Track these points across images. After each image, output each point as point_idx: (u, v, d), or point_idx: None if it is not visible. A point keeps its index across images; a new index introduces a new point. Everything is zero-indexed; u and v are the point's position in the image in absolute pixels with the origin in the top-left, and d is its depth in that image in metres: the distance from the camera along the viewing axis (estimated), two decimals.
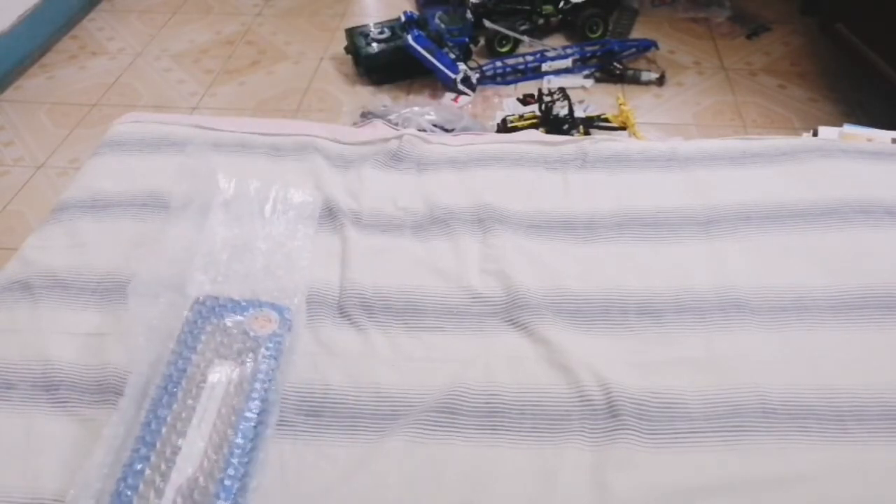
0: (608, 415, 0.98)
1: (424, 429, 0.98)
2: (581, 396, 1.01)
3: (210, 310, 1.04)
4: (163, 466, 0.87)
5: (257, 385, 0.96)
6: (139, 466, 0.87)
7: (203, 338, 1.01)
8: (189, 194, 1.23)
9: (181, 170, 1.29)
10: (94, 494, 0.86)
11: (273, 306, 1.05)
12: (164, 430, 0.91)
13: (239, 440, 0.90)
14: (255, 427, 0.93)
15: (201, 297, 1.06)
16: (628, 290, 1.16)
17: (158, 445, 0.89)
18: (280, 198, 1.24)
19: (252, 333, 1.01)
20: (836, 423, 0.97)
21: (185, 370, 0.97)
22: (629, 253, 1.24)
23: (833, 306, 1.12)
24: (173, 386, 0.95)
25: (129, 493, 0.85)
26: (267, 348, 1.00)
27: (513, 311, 1.14)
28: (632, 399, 0.99)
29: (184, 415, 0.92)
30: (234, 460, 0.88)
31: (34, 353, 1.08)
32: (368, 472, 0.93)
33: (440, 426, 0.98)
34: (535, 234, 1.28)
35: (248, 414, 0.93)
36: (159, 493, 0.84)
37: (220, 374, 0.96)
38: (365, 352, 1.09)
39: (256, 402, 0.95)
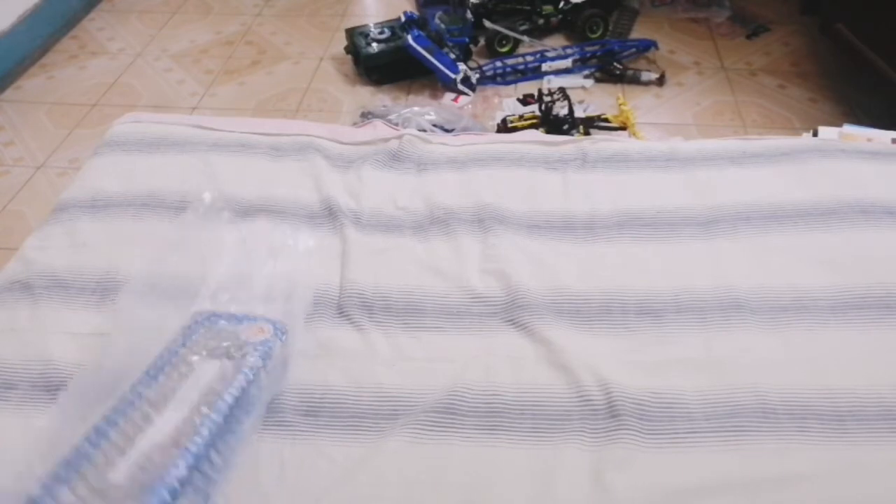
0: (608, 415, 0.98)
1: (424, 429, 0.98)
2: (581, 396, 1.01)
3: (206, 318, 1.06)
4: (130, 432, 0.89)
5: (240, 377, 0.97)
6: (109, 431, 0.89)
7: (194, 337, 1.02)
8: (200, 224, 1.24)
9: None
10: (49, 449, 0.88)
11: (268, 320, 1.06)
12: (142, 404, 0.93)
13: (214, 416, 0.91)
14: (231, 408, 0.94)
15: (200, 313, 1.07)
16: (628, 290, 1.16)
17: (136, 416, 0.91)
18: (287, 237, 1.25)
19: (244, 337, 1.03)
20: (836, 423, 0.97)
21: (170, 361, 0.99)
22: (629, 253, 1.24)
23: (833, 306, 1.12)
24: (156, 371, 0.97)
25: (90, 448, 0.87)
26: (256, 348, 1.01)
27: (513, 311, 1.14)
28: (632, 399, 0.99)
29: (164, 394, 0.94)
30: (205, 430, 0.90)
31: (34, 353, 1.08)
32: (368, 473, 0.93)
33: (440, 426, 0.98)
34: (535, 234, 1.28)
35: (226, 397, 0.94)
36: (121, 452, 0.87)
37: (207, 367, 0.98)
38: (365, 352, 1.09)
39: (236, 388, 0.96)
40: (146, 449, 0.87)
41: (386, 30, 2.69)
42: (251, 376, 0.97)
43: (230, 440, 0.93)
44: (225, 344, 1.01)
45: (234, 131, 1.52)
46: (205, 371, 0.97)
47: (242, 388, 0.95)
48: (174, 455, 0.87)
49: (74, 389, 0.98)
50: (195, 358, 0.99)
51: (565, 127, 2.27)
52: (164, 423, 0.90)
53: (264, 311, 1.08)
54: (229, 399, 0.94)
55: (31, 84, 2.75)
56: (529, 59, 2.64)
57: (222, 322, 1.05)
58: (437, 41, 2.60)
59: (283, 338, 1.04)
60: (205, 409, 0.92)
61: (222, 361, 0.99)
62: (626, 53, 2.69)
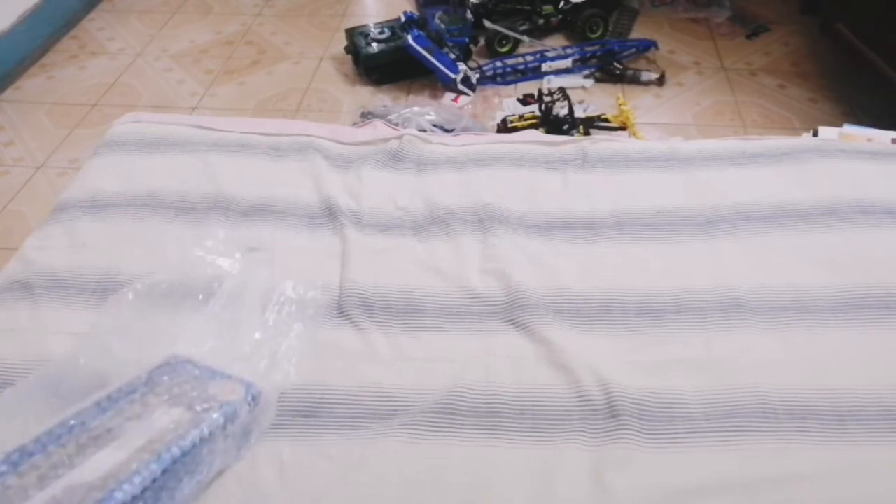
0: (608, 415, 0.98)
1: (424, 429, 0.98)
2: (581, 396, 1.01)
3: (179, 363, 0.99)
4: (59, 462, 0.83)
5: (195, 431, 0.88)
6: (35, 455, 0.84)
7: (159, 379, 0.96)
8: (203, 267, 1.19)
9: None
10: None
11: (244, 381, 0.98)
12: (81, 435, 0.86)
13: (153, 466, 0.84)
14: (174, 462, 0.85)
15: (175, 356, 1.01)
16: (628, 290, 1.16)
17: (70, 446, 0.85)
18: (287, 290, 1.17)
19: (212, 392, 0.95)
20: (836, 423, 0.97)
21: (127, 397, 0.92)
22: (629, 253, 1.24)
23: (833, 306, 1.13)
24: (109, 404, 0.91)
25: (6, 467, 0.82)
26: (221, 407, 0.92)
27: (513, 311, 1.14)
28: (632, 399, 0.99)
29: (110, 430, 0.87)
30: (137, 479, 0.82)
31: (34, 352, 1.08)
32: (368, 473, 0.93)
33: (440, 426, 0.98)
34: (536, 234, 1.28)
35: (173, 448, 0.86)
36: (42, 480, 0.81)
37: (164, 414, 0.91)
38: (365, 352, 1.09)
39: (187, 442, 0.87)
40: (70, 484, 0.80)
41: (386, 30, 2.69)
42: (206, 433, 0.89)
43: (163, 498, 0.84)
44: (190, 394, 0.94)
45: (234, 131, 1.52)
46: (160, 416, 0.90)
47: (194, 444, 0.87)
48: (96, 498, 0.78)
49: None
50: (154, 400, 0.92)
51: (565, 127, 2.27)
52: (99, 462, 0.83)
53: (241, 370, 1.00)
54: (176, 451, 0.85)
55: (31, 84, 2.75)
56: (529, 59, 2.64)
57: (194, 371, 0.98)
58: (437, 41, 2.60)
59: (254, 405, 0.96)
60: (146, 456, 0.84)
61: (181, 411, 0.91)
62: (626, 53, 2.69)
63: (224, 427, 0.91)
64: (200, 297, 1.12)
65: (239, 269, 1.19)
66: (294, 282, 1.17)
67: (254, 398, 0.96)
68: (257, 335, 1.07)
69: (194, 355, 1.01)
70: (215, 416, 0.91)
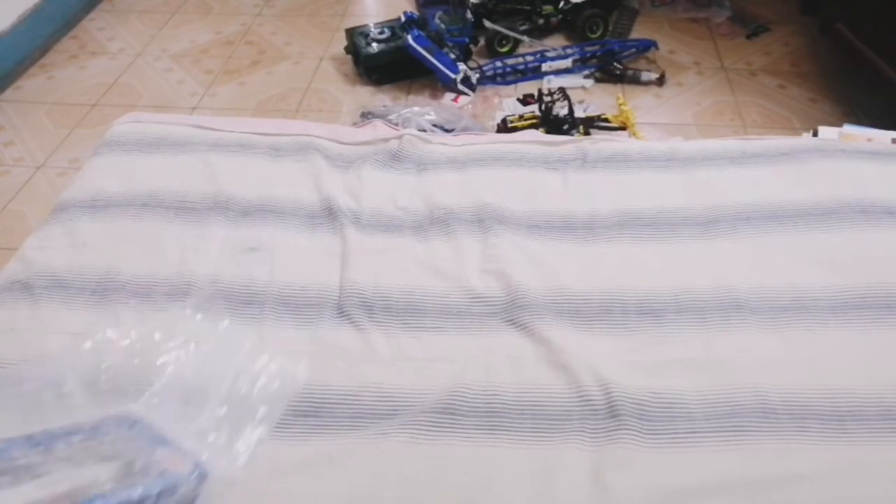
0: (608, 415, 0.98)
1: (424, 429, 0.98)
2: (581, 396, 1.01)
3: (134, 420, 0.92)
4: None
5: (121, 494, 0.80)
6: None
7: (106, 428, 0.89)
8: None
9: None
10: None
11: (194, 457, 0.88)
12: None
13: None
14: None
15: (131, 413, 0.93)
16: (628, 290, 1.16)
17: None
18: (263, 364, 1.06)
19: (158, 457, 0.86)
20: (836, 423, 0.97)
21: (65, 438, 0.86)
22: (629, 253, 1.24)
23: (833, 306, 1.13)
24: (44, 440, 0.84)
25: None
26: (161, 475, 0.84)
27: (513, 311, 1.14)
28: (632, 399, 0.99)
29: (31, 467, 0.81)
30: None
31: (34, 352, 1.08)
32: (368, 473, 0.93)
33: (440, 426, 0.98)
34: (536, 234, 1.28)
35: (96, 503, 0.78)
36: None
37: (97, 467, 0.83)
38: (365, 352, 1.09)
39: (111, 502, 0.79)
40: None
41: (386, 30, 2.69)
42: (135, 498, 0.80)
43: None
44: (133, 452, 0.86)
45: (234, 131, 1.52)
46: (93, 466, 0.82)
47: None
48: None
49: None
50: (93, 448, 0.85)
51: (565, 127, 2.27)
52: (9, 498, 0.76)
53: (195, 445, 0.91)
54: None
55: (31, 84, 2.75)
56: (529, 59, 2.64)
57: (146, 431, 0.90)
58: (437, 41, 2.60)
59: (197, 484, 0.86)
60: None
61: (118, 467, 0.83)
62: (626, 53, 2.69)
63: (157, 497, 0.82)
64: (173, 354, 1.06)
65: (219, 336, 1.11)
66: (271, 355, 1.08)
67: (200, 476, 0.87)
68: (223, 410, 0.98)
69: (151, 417, 0.93)
70: (150, 483, 0.82)
